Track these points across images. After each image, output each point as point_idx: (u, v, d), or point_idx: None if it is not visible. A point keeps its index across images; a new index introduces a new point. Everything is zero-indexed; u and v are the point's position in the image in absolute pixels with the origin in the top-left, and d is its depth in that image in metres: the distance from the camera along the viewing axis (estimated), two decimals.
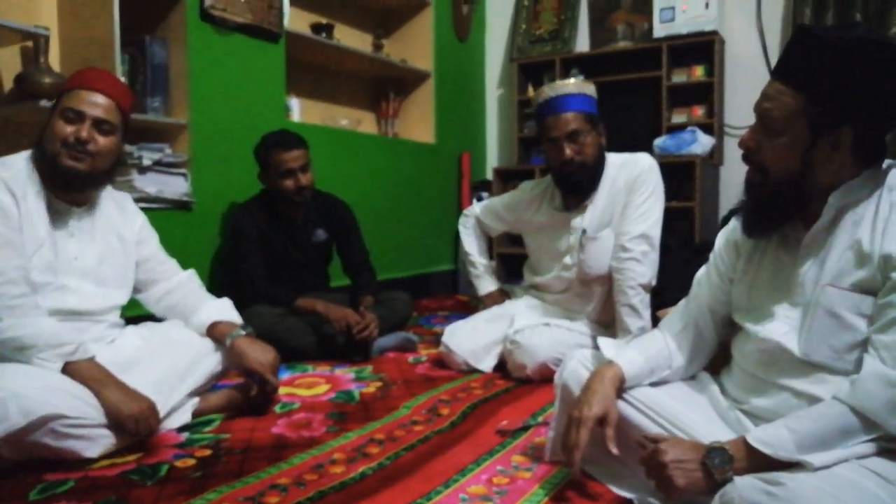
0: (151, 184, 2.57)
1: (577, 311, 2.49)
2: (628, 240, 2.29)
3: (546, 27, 4.55)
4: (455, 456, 1.62)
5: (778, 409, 1.21)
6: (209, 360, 1.91)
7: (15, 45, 2.52)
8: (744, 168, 1.28)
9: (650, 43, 4.08)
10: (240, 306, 2.13)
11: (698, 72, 4.01)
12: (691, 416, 1.32)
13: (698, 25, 3.90)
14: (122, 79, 2.50)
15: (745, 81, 3.98)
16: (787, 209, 1.24)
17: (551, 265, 2.52)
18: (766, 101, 1.20)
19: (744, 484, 1.04)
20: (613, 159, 2.40)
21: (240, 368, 1.95)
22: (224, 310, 2.02)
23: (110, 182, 1.89)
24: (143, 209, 2.03)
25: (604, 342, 1.52)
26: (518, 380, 2.32)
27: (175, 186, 2.67)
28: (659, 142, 3.89)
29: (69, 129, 1.68)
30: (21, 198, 1.66)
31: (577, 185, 2.36)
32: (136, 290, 1.97)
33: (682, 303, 1.50)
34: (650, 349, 1.43)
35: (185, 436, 1.76)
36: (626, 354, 1.41)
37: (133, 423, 1.58)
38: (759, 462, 1.10)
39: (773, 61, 3.69)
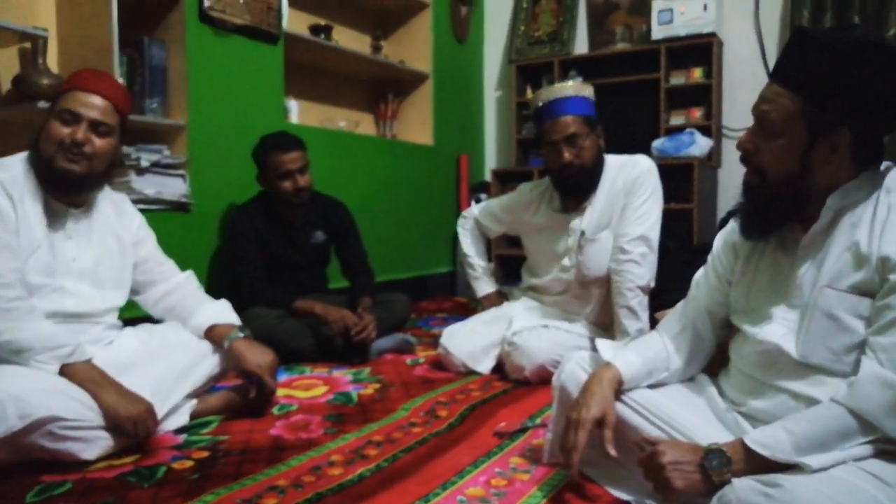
0: (150, 185, 2.56)
1: (576, 312, 2.49)
2: (627, 242, 2.29)
3: (545, 29, 4.56)
4: (453, 458, 1.62)
5: (776, 410, 1.21)
6: (207, 362, 1.91)
7: (13, 47, 2.52)
8: (742, 170, 1.28)
9: (648, 45, 4.08)
10: (238, 308, 2.13)
11: (696, 74, 4.02)
12: (689, 417, 1.32)
13: (696, 27, 3.91)
14: (121, 80, 2.50)
15: (744, 83, 3.99)
16: (785, 211, 1.25)
17: (550, 267, 2.52)
18: (764, 103, 1.20)
19: (742, 486, 1.05)
20: (612, 161, 2.41)
21: (238, 370, 1.94)
22: (222, 312, 2.01)
23: (107, 183, 1.89)
24: (141, 210, 2.02)
25: (602, 344, 1.53)
26: (516, 381, 2.32)
27: (173, 188, 2.66)
28: (657, 144, 3.90)
29: (65, 130, 1.68)
30: (18, 200, 1.66)
31: (576, 188, 2.36)
32: (134, 291, 1.97)
33: (679, 305, 1.50)
34: (648, 351, 1.43)
35: (182, 437, 1.76)
36: (624, 356, 1.41)
37: (131, 425, 1.58)
38: (757, 464, 1.10)
39: (772, 63, 3.70)
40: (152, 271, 1.98)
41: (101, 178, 1.79)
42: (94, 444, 1.56)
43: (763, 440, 1.11)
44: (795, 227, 1.26)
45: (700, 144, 3.79)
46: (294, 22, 3.46)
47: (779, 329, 1.24)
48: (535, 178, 3.80)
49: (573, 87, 2.31)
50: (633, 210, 2.31)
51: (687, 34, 3.93)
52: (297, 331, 2.60)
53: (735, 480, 1.08)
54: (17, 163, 1.72)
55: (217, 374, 1.95)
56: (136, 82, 2.64)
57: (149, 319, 2.04)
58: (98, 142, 1.71)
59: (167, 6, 2.73)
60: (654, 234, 2.31)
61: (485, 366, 2.45)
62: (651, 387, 1.41)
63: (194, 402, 1.87)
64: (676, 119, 4.10)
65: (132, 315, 2.05)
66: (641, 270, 2.28)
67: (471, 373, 2.44)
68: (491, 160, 4.99)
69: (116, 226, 1.90)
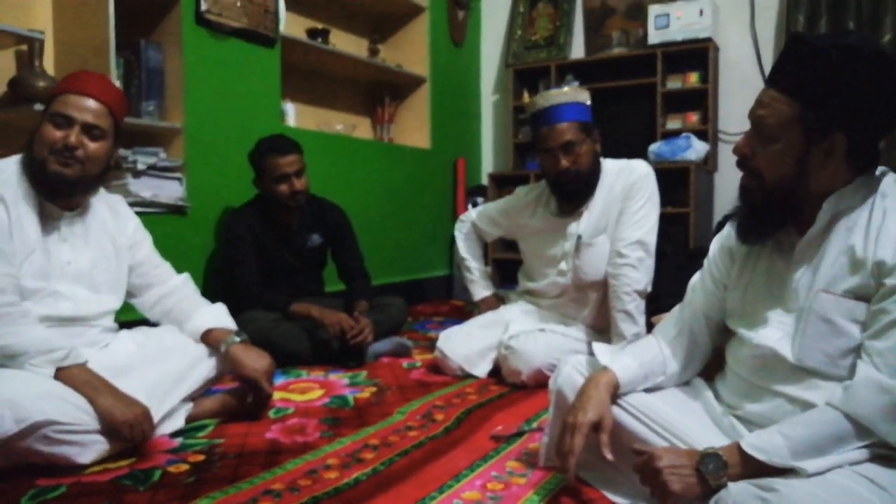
0: (146, 188, 2.56)
1: (573, 316, 2.49)
2: (624, 246, 2.29)
3: (541, 33, 4.57)
4: (449, 461, 1.62)
5: (772, 414, 1.22)
6: (203, 366, 1.90)
7: (9, 49, 2.51)
8: (738, 174, 1.28)
9: (645, 50, 4.10)
10: (234, 311, 2.12)
11: (693, 78, 4.03)
12: (686, 421, 1.32)
13: (693, 32, 3.92)
14: (117, 82, 2.50)
15: (740, 88, 4.01)
16: (781, 215, 1.25)
17: (546, 271, 2.52)
18: (760, 108, 1.20)
19: (738, 490, 1.05)
20: (610, 166, 2.41)
21: (235, 375, 1.94)
22: (218, 316, 2.01)
23: (101, 186, 1.87)
24: (137, 213, 2.02)
25: (598, 348, 1.52)
26: (513, 385, 2.32)
27: (170, 191, 2.66)
28: (654, 148, 3.91)
29: (58, 134, 1.67)
30: (12, 203, 1.65)
31: (573, 193, 2.37)
32: (130, 294, 1.96)
33: (676, 309, 1.50)
34: (645, 355, 1.43)
35: (178, 441, 1.75)
36: (620, 360, 1.41)
37: (127, 429, 1.57)
38: (754, 468, 1.11)
39: (767, 68, 3.72)
40: (148, 274, 1.98)
41: (94, 181, 1.78)
42: (90, 448, 1.55)
43: (759, 444, 1.12)
44: (791, 231, 1.26)
45: (696, 149, 3.80)
46: (291, 25, 3.46)
47: (775, 333, 1.24)
48: (532, 181, 3.81)
49: (569, 93, 2.31)
50: (631, 214, 2.31)
51: (683, 39, 3.95)
52: (294, 334, 2.60)
53: (731, 484, 1.08)
54: (11, 165, 1.71)
55: (213, 377, 1.94)
56: (132, 85, 2.64)
57: (145, 322, 2.04)
58: (91, 145, 1.70)
59: (164, 9, 2.73)
60: (652, 238, 2.32)
61: (481, 369, 2.45)
62: (647, 391, 1.41)
63: (190, 405, 1.87)
64: (673, 123, 4.11)
65: (129, 318, 2.05)
66: (638, 275, 2.28)
67: (467, 376, 2.43)
68: (488, 164, 5.00)
69: (112, 228, 1.89)
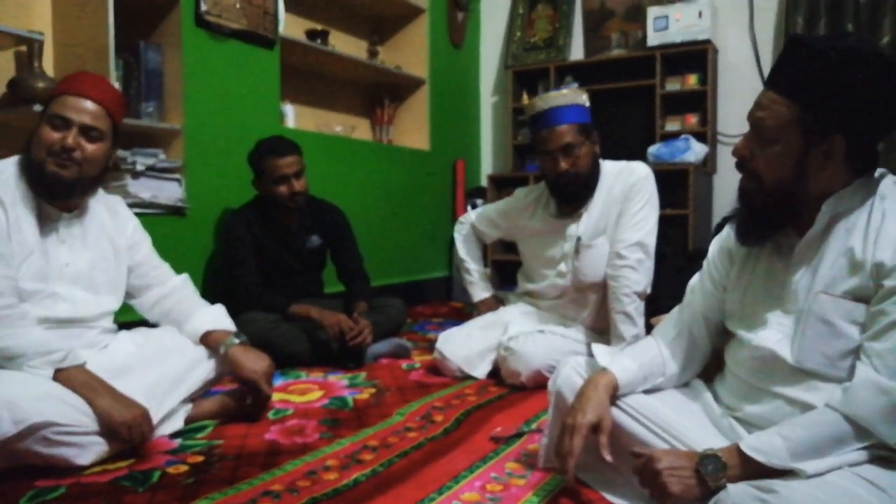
0: (145, 189, 2.56)
1: (572, 317, 2.49)
2: (624, 247, 2.29)
3: (541, 35, 4.58)
4: (449, 463, 1.62)
5: (771, 416, 1.22)
6: (203, 367, 1.90)
7: (9, 50, 2.51)
8: (737, 176, 1.29)
9: (644, 51, 4.10)
10: (233, 312, 2.12)
11: (692, 80, 4.04)
12: (685, 423, 1.32)
13: (692, 34, 3.93)
14: (117, 84, 2.50)
15: (739, 90, 4.01)
16: (780, 217, 1.25)
17: (546, 272, 2.52)
18: (759, 109, 1.21)
19: (737, 491, 1.05)
20: (609, 167, 2.41)
21: (234, 377, 1.94)
22: (217, 317, 2.00)
23: (100, 188, 1.87)
24: (136, 214, 2.02)
25: (598, 349, 1.52)
26: (512, 386, 2.32)
27: (169, 192, 2.66)
28: (653, 149, 3.91)
29: (55, 135, 1.67)
30: (9, 204, 1.65)
31: (573, 195, 2.37)
32: (129, 295, 1.96)
33: (675, 310, 1.50)
34: (644, 356, 1.43)
35: (177, 442, 1.75)
36: (619, 362, 1.41)
37: (126, 430, 1.57)
38: (753, 469, 1.11)
39: (766, 70, 3.73)
40: (147, 275, 1.98)
41: (92, 182, 1.78)
42: (89, 450, 1.55)
43: (758, 446, 1.12)
44: (790, 232, 1.27)
45: (695, 150, 3.81)
46: (290, 27, 3.46)
47: (774, 334, 1.24)
48: (532, 183, 3.81)
49: (568, 95, 2.31)
50: (630, 216, 2.31)
51: (682, 41, 3.95)
52: (293, 335, 2.60)
53: (730, 486, 1.08)
54: (9, 166, 1.71)
55: (212, 378, 1.94)
56: (132, 86, 2.64)
57: (144, 323, 2.04)
58: (89, 147, 1.70)
59: (163, 10, 2.73)
60: (651, 240, 2.32)
61: (481, 371, 2.45)
62: (647, 392, 1.41)
63: (189, 406, 1.87)
64: (672, 125, 4.11)
65: (128, 319, 2.05)
66: (638, 276, 2.28)
67: (467, 377, 2.43)
68: (487, 165, 5.00)
69: (111, 229, 1.89)
